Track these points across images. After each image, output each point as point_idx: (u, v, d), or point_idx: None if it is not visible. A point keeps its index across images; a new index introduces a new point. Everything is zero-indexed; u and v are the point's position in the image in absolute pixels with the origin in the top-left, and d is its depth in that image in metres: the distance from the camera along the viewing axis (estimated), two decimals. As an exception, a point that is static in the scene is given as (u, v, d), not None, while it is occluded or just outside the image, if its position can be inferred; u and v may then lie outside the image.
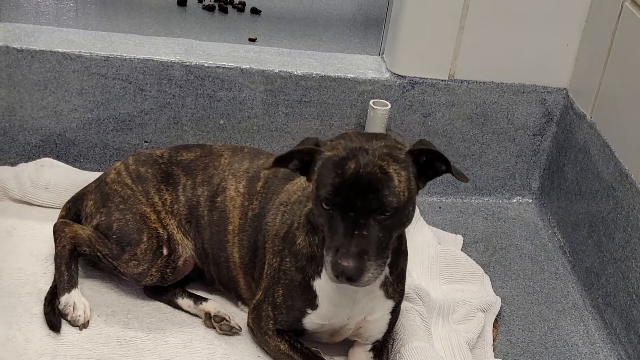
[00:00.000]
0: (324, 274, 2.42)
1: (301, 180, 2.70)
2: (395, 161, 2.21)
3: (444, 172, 2.30)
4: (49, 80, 3.42)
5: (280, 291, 2.53)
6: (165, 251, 2.73)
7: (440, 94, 3.61)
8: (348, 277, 2.13)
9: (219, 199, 2.78)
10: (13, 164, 3.41)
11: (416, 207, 3.16)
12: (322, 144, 2.29)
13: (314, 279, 2.46)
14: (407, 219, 2.26)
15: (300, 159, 2.32)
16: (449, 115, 3.66)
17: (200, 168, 2.84)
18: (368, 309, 2.49)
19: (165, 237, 2.75)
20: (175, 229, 2.80)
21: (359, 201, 2.15)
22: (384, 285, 2.47)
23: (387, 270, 2.43)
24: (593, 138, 3.32)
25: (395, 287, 2.51)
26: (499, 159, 3.79)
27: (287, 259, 2.52)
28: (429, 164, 2.28)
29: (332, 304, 2.47)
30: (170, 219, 2.80)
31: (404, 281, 2.58)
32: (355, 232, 2.15)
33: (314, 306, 2.49)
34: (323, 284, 2.45)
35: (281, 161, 2.34)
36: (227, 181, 2.79)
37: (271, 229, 2.64)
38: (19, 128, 3.49)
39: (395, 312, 2.58)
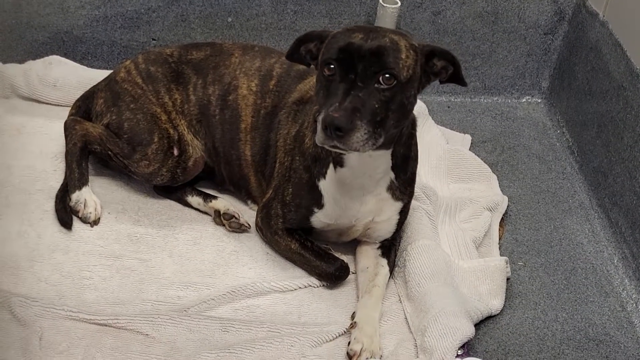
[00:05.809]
0: (328, 175, 2.44)
1: (314, 79, 2.69)
2: (407, 41, 2.20)
3: (446, 79, 2.30)
4: (54, -24, 3.39)
5: (290, 189, 2.55)
6: (175, 152, 2.75)
7: (451, -9, 3.56)
8: (337, 127, 2.04)
9: (230, 97, 2.77)
10: (21, 62, 3.40)
11: (424, 106, 3.12)
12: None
13: (319, 180, 2.48)
14: (406, 105, 2.20)
15: (309, 52, 2.34)
16: (459, 13, 3.61)
17: (211, 67, 2.83)
18: (376, 211, 2.51)
19: (176, 137, 2.76)
20: (186, 129, 2.81)
21: (362, 63, 2.11)
22: (390, 189, 2.48)
23: (392, 175, 2.44)
24: (605, 37, 3.29)
25: (403, 190, 2.52)
26: (509, 58, 3.75)
27: (297, 158, 2.53)
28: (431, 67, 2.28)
29: (337, 205, 2.49)
30: (180, 120, 2.81)
31: (414, 184, 2.59)
32: (352, 92, 2.09)
33: (320, 205, 2.51)
34: (328, 185, 2.47)
35: (297, 44, 2.34)
36: (238, 80, 2.78)
37: (283, 128, 2.65)
38: (26, 25, 3.45)
39: (403, 213, 2.60)
